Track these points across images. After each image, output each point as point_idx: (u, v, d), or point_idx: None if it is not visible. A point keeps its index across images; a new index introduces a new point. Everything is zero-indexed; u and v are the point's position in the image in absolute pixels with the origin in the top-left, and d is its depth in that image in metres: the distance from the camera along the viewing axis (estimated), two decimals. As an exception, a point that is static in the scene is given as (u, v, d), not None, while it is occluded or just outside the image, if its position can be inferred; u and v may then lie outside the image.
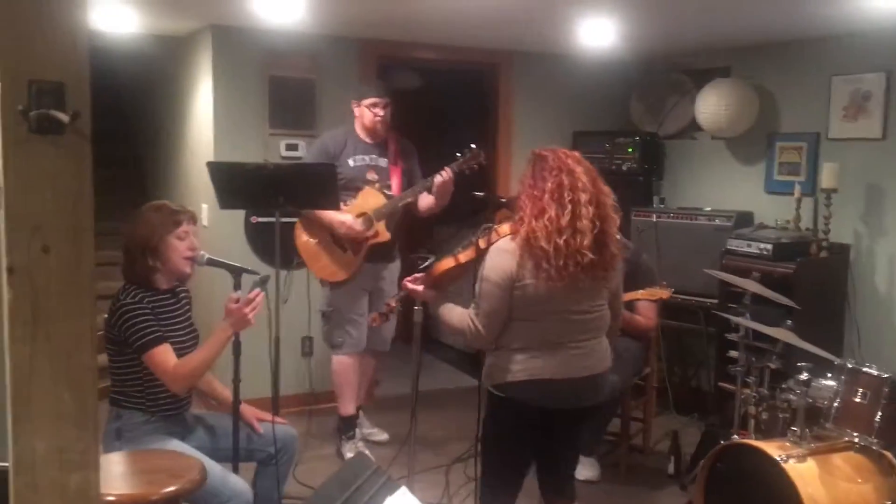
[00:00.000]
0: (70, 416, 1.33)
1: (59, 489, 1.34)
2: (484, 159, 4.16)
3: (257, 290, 2.80)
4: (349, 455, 4.22)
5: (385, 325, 4.32)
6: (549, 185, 2.59)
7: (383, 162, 4.23)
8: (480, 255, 2.72)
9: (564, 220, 2.54)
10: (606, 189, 2.69)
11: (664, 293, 3.88)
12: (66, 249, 1.30)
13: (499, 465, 2.76)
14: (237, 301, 2.79)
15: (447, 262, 2.92)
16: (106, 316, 2.78)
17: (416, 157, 4.37)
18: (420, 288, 2.98)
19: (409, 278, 3.05)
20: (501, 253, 2.63)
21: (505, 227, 2.70)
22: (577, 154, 2.71)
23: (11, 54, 1.26)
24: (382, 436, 4.55)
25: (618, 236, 2.72)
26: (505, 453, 2.76)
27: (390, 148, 4.26)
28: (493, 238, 2.72)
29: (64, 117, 1.26)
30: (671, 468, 4.10)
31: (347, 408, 4.32)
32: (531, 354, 2.61)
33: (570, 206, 2.55)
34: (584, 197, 2.58)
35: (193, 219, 2.96)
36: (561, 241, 2.53)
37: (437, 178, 4.04)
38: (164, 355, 2.74)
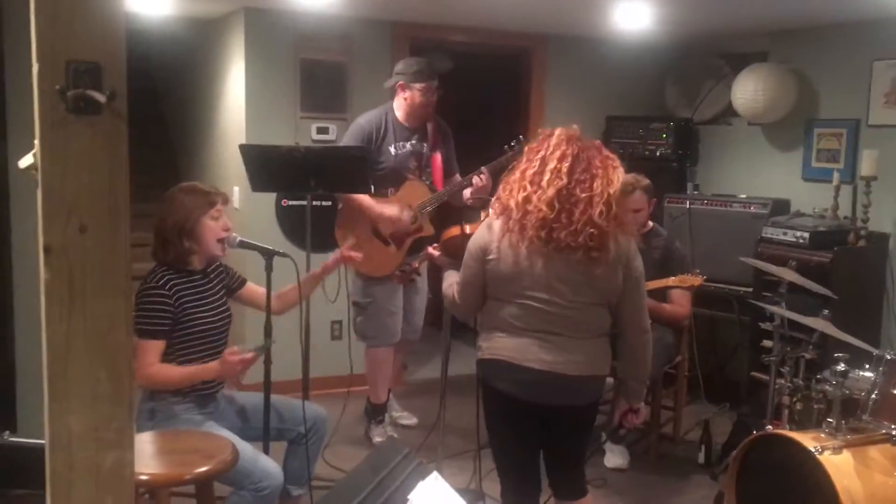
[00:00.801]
0: (105, 395, 1.34)
1: (95, 468, 1.35)
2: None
3: (255, 353, 2.77)
4: (377, 439, 4.24)
5: (417, 313, 4.32)
6: (526, 150, 2.62)
7: (424, 147, 4.14)
8: None
9: (528, 175, 2.52)
10: (602, 163, 2.52)
11: (696, 280, 3.83)
12: (102, 229, 1.30)
13: (497, 445, 2.72)
14: (236, 353, 2.76)
15: (453, 230, 2.98)
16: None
17: (451, 140, 4.30)
18: (436, 253, 3.05)
19: (432, 245, 3.11)
20: (483, 225, 2.65)
21: None
22: (574, 128, 2.62)
23: (48, 35, 1.26)
24: (411, 420, 4.56)
25: (602, 217, 2.47)
26: (496, 437, 2.72)
27: (430, 132, 4.16)
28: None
29: (101, 97, 1.26)
30: (702, 457, 4.07)
31: (379, 396, 4.31)
32: (498, 334, 2.59)
33: (538, 164, 2.53)
34: (554, 153, 2.52)
35: (225, 199, 2.97)
36: (520, 196, 2.50)
37: (475, 181, 3.96)
38: (150, 350, 2.73)
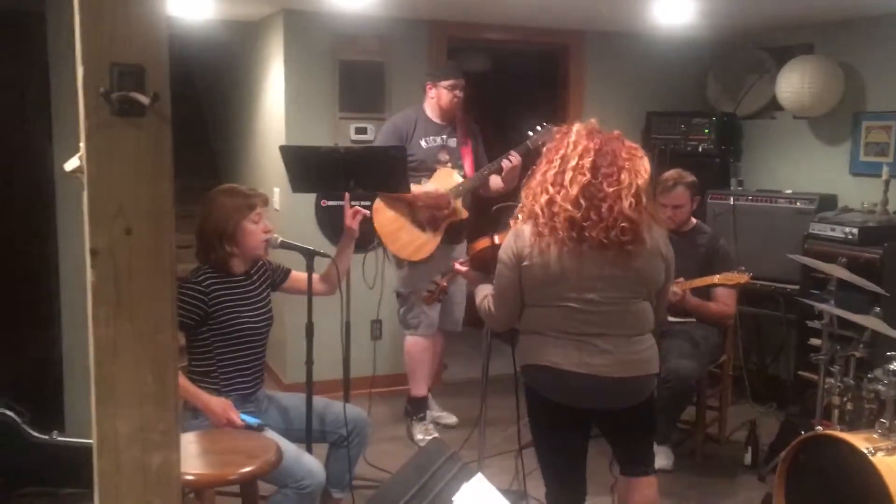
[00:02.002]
0: (152, 397, 1.34)
1: (142, 469, 1.36)
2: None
3: (245, 424, 2.76)
4: (419, 437, 4.25)
5: (457, 305, 4.33)
6: (545, 150, 2.55)
7: (453, 142, 4.25)
8: None
9: (550, 176, 2.45)
10: (629, 155, 2.45)
11: (742, 278, 3.75)
12: (148, 231, 1.31)
13: (543, 453, 2.68)
14: (233, 412, 2.77)
15: (483, 242, 2.91)
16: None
17: (479, 137, 4.39)
18: (464, 269, 2.99)
19: (459, 260, 3.05)
20: (514, 234, 2.56)
21: None
22: (592, 121, 2.55)
23: (94, 38, 1.26)
24: (451, 419, 4.55)
25: (633, 209, 2.40)
26: (542, 443, 2.68)
27: (458, 128, 4.27)
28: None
29: (144, 99, 1.27)
30: (748, 458, 3.99)
31: (419, 388, 4.34)
32: (539, 340, 2.53)
33: (558, 162, 2.45)
34: (574, 150, 2.44)
35: (265, 202, 2.98)
36: (544, 199, 2.43)
37: (505, 163, 4.05)
38: None
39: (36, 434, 3.43)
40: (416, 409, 4.34)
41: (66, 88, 3.70)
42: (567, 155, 2.46)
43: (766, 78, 5.19)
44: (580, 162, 2.42)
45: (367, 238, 4.11)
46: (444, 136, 4.23)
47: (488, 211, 3.81)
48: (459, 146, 4.25)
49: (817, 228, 4.38)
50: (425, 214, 4.08)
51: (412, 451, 4.13)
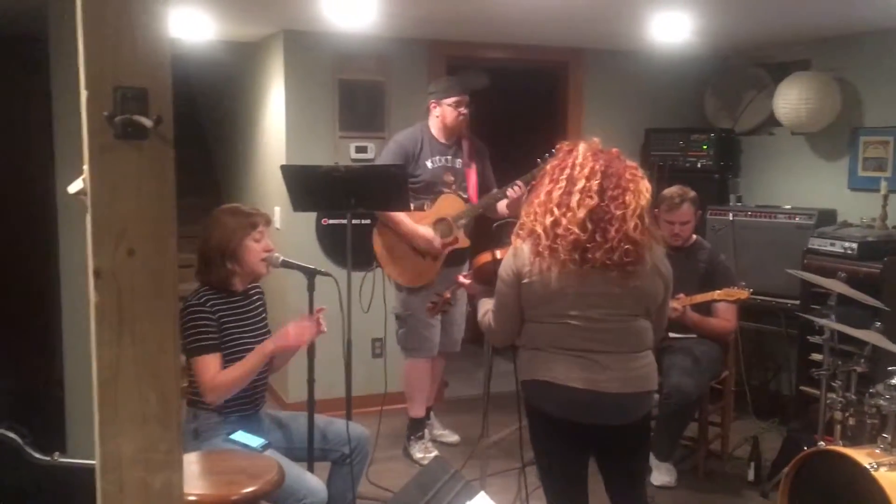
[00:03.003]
0: (155, 417, 1.35)
1: (144, 489, 1.36)
2: None
3: (249, 444, 2.80)
4: (418, 455, 4.24)
5: (456, 325, 4.33)
6: (549, 168, 2.53)
7: (458, 163, 4.21)
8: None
9: (555, 198, 2.43)
10: (631, 176, 2.46)
11: (742, 294, 3.76)
12: (150, 252, 1.32)
13: (545, 469, 2.66)
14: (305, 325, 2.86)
15: (485, 256, 2.91)
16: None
17: (487, 156, 4.36)
18: (467, 282, 3.00)
19: (462, 273, 3.04)
20: (512, 250, 2.57)
21: None
22: (595, 141, 2.54)
23: (97, 61, 1.28)
24: (453, 437, 4.54)
25: (637, 231, 2.41)
26: (544, 458, 2.66)
27: (464, 148, 4.24)
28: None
29: (148, 122, 1.28)
30: (751, 474, 3.98)
31: (417, 410, 4.33)
32: (539, 355, 2.53)
33: (564, 183, 2.44)
34: (580, 171, 2.43)
35: (268, 221, 2.99)
36: (548, 221, 2.41)
37: (510, 192, 4.01)
38: (211, 364, 2.76)
39: (38, 455, 3.43)
40: (414, 429, 4.34)
41: (68, 112, 3.72)
42: (574, 176, 2.44)
43: (763, 94, 5.22)
44: (588, 184, 2.41)
45: (367, 259, 4.12)
46: (450, 157, 4.19)
47: (489, 228, 3.83)
48: (464, 167, 4.21)
49: (817, 243, 4.39)
50: (423, 247, 4.08)
51: (414, 469, 4.12)
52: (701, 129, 5.42)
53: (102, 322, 1.32)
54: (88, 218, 1.31)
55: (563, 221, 2.40)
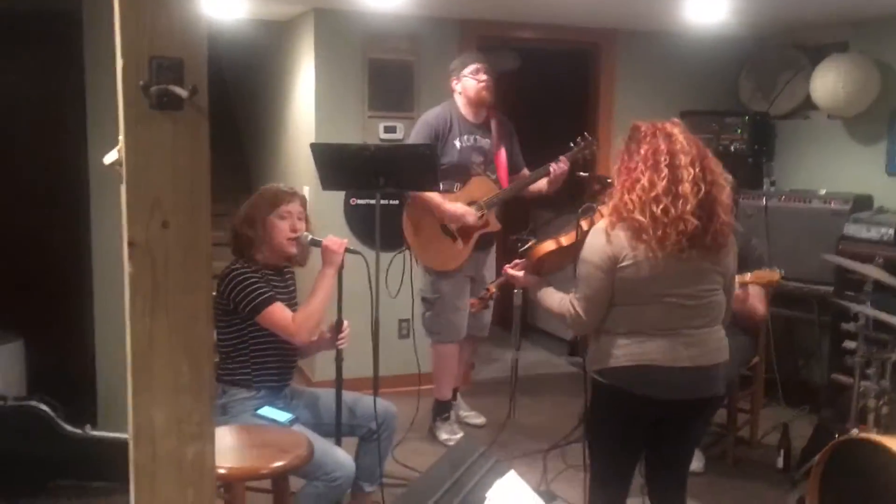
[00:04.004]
0: (188, 388, 1.35)
1: (177, 459, 1.37)
2: (597, 147, 4.11)
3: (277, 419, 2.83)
4: (444, 436, 4.24)
5: (485, 311, 4.31)
6: (644, 151, 2.45)
7: (487, 143, 4.16)
8: (583, 237, 2.61)
9: (661, 186, 2.39)
10: (713, 157, 2.52)
11: (774, 275, 3.68)
12: (184, 224, 1.32)
13: (606, 455, 2.65)
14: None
15: (548, 245, 2.85)
16: (215, 293, 2.85)
17: (515, 136, 4.31)
18: (520, 274, 2.93)
19: (509, 265, 2.99)
20: (599, 233, 2.50)
21: (607, 207, 2.60)
22: (676, 120, 2.54)
23: (134, 32, 1.27)
24: (479, 419, 4.54)
25: (730, 212, 2.50)
26: (610, 442, 2.64)
27: (493, 128, 4.19)
28: (597, 219, 2.63)
29: (183, 92, 1.28)
30: (780, 462, 3.93)
31: (444, 393, 4.33)
32: (635, 339, 2.49)
33: (666, 171, 2.40)
34: (683, 159, 2.41)
35: (299, 201, 3.02)
36: (658, 210, 2.37)
37: (554, 168, 4.00)
38: (281, 311, 2.83)
39: (69, 427, 3.49)
40: (440, 409, 4.34)
41: (101, 86, 3.75)
42: (678, 166, 2.41)
43: (799, 77, 5.12)
44: (692, 172, 2.41)
45: (394, 241, 4.10)
46: (478, 136, 4.14)
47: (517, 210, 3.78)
48: (493, 148, 4.17)
49: (852, 229, 4.32)
50: (456, 225, 4.05)
51: (439, 450, 4.13)
52: (735, 112, 5.33)
53: (136, 293, 1.32)
54: (123, 189, 1.31)
55: (674, 211, 2.38)
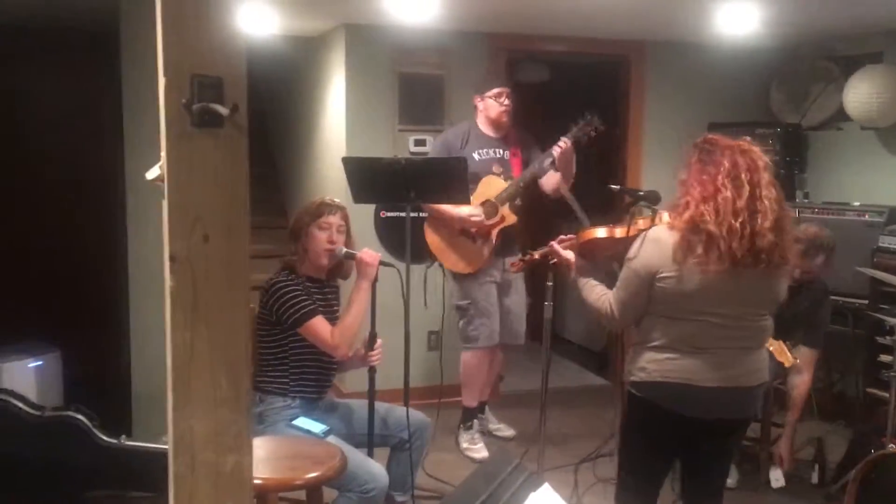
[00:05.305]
0: (226, 401, 1.38)
1: (215, 471, 1.39)
2: (601, 124, 4.10)
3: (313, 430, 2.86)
4: (465, 445, 4.28)
5: (516, 317, 4.32)
6: (726, 164, 2.40)
7: (507, 154, 4.23)
8: (633, 236, 2.59)
9: (742, 202, 2.36)
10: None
11: (787, 359, 3.65)
12: (224, 239, 1.35)
13: (635, 466, 2.65)
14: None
15: (599, 231, 2.81)
16: (255, 304, 2.90)
17: (536, 146, 4.32)
18: (565, 252, 2.88)
19: (556, 240, 2.94)
20: (652, 242, 2.47)
21: (664, 215, 2.58)
22: (748, 139, 2.51)
23: (175, 50, 1.31)
24: (509, 431, 4.54)
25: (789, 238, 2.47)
26: (638, 452, 2.64)
27: (512, 141, 4.26)
28: (656, 221, 2.61)
29: (223, 110, 1.31)
30: (815, 477, 3.88)
31: (470, 400, 4.35)
32: (668, 355, 2.47)
33: (748, 187, 2.37)
34: (765, 178, 2.39)
35: (342, 215, 3.08)
36: (737, 223, 2.34)
37: (556, 150, 4.00)
38: (322, 324, 2.89)
39: (105, 437, 3.53)
40: (465, 417, 4.36)
41: (138, 99, 3.82)
42: (758, 183, 2.39)
43: (832, 88, 5.07)
44: (770, 192, 2.40)
45: (422, 253, 4.14)
46: (499, 149, 4.21)
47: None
48: (511, 157, 4.24)
49: (888, 241, 4.27)
50: (470, 227, 4.10)
51: (467, 461, 4.13)
52: (766, 124, 5.29)
53: (177, 306, 1.35)
54: (165, 204, 1.34)
55: (751, 226, 2.35)
